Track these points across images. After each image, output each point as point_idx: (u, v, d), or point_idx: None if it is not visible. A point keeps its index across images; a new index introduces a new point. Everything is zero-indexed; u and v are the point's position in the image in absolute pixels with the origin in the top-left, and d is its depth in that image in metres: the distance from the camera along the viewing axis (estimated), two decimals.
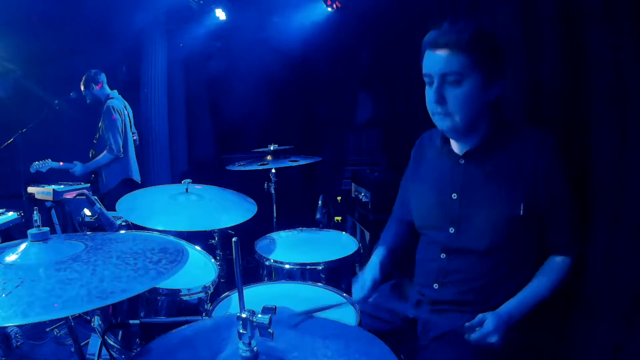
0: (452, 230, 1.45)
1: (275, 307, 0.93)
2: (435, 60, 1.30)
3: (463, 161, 1.45)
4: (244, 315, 0.91)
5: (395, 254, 1.71)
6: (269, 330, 0.90)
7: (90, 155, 3.80)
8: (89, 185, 3.82)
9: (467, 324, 1.33)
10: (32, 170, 3.60)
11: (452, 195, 1.45)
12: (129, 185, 3.67)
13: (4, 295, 0.86)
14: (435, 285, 1.50)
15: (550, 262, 1.41)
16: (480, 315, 1.33)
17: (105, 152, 3.63)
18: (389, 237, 1.76)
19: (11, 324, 0.78)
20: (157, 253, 1.12)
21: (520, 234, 1.38)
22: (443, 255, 1.48)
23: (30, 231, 1.07)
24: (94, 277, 0.95)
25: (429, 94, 1.36)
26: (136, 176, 3.83)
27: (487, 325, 1.31)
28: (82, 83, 3.73)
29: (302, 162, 2.70)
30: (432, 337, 1.47)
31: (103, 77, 3.71)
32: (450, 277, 1.47)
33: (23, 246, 1.06)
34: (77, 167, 3.69)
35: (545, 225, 1.38)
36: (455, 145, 1.48)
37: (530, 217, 1.35)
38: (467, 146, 1.43)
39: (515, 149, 1.36)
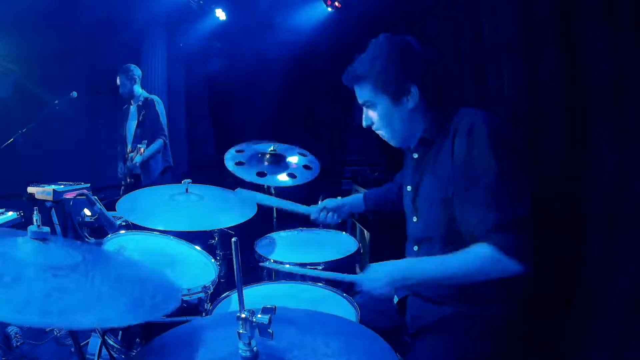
0: (415, 219, 1.55)
1: (275, 307, 0.93)
2: (356, 94, 1.52)
3: (416, 155, 1.55)
4: (243, 315, 0.91)
5: (369, 200, 2.02)
6: (269, 330, 0.90)
7: (133, 152, 3.85)
8: (89, 185, 3.82)
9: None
10: (136, 164, 3.76)
11: (408, 188, 1.58)
12: (170, 172, 3.98)
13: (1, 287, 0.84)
14: None
15: (473, 246, 1.28)
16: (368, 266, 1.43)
17: (157, 140, 3.85)
18: (373, 190, 2.05)
19: (8, 321, 0.77)
20: (154, 286, 1.11)
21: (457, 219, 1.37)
22: (415, 248, 1.55)
23: (30, 227, 1.05)
24: (92, 294, 0.93)
25: None
26: (172, 162, 4.11)
27: (361, 274, 1.41)
28: (122, 73, 3.88)
29: (299, 181, 2.60)
30: (419, 327, 1.50)
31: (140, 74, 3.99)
32: None
33: (22, 240, 1.04)
34: (137, 158, 3.79)
35: (456, 209, 1.33)
36: None
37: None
38: (413, 142, 1.53)
39: (446, 135, 1.40)
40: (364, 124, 1.54)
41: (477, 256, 1.26)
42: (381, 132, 1.53)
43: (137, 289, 1.04)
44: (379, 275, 1.38)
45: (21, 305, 0.81)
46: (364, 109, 1.52)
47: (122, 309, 0.93)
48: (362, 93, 1.49)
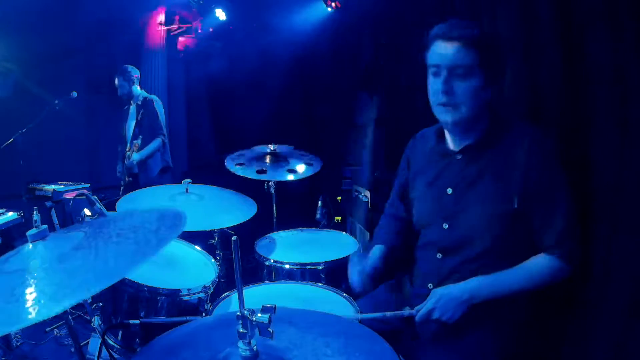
0: (445, 226, 1.46)
1: (275, 306, 0.93)
2: (446, 51, 1.32)
3: (460, 156, 1.46)
4: (243, 314, 0.90)
5: (394, 252, 1.72)
6: (269, 329, 0.90)
7: (131, 150, 3.88)
8: (89, 185, 3.82)
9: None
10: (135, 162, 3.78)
11: (447, 190, 1.46)
12: (168, 172, 4.01)
13: (14, 301, 0.84)
14: (430, 286, 1.50)
15: (533, 258, 1.36)
16: (432, 292, 1.39)
17: (156, 138, 3.87)
18: (386, 235, 1.78)
19: (26, 325, 0.77)
20: (154, 222, 1.10)
21: (514, 230, 1.37)
22: (439, 256, 1.49)
23: (28, 233, 1.05)
24: (98, 260, 0.95)
25: (436, 84, 1.37)
26: (171, 162, 4.11)
27: (428, 301, 1.37)
28: (120, 75, 3.89)
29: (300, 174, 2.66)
30: (430, 337, 1.47)
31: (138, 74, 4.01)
32: (445, 278, 1.46)
33: (25, 250, 1.05)
34: (135, 156, 3.79)
35: (534, 222, 1.35)
36: (451, 142, 1.50)
37: (523, 213, 1.34)
38: (466, 142, 1.44)
39: (509, 145, 1.38)
40: (442, 90, 1.34)
41: (544, 268, 1.33)
42: (454, 110, 1.35)
43: (140, 233, 1.04)
44: (450, 300, 1.35)
45: (37, 306, 0.81)
46: (445, 74, 1.33)
47: (130, 257, 0.93)
48: (461, 55, 1.30)
